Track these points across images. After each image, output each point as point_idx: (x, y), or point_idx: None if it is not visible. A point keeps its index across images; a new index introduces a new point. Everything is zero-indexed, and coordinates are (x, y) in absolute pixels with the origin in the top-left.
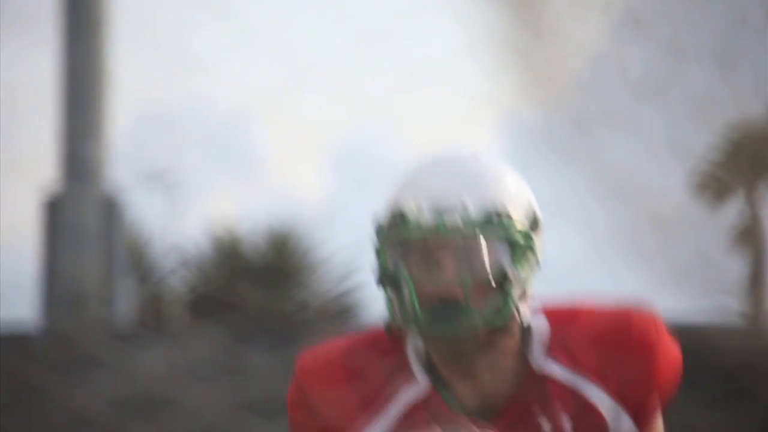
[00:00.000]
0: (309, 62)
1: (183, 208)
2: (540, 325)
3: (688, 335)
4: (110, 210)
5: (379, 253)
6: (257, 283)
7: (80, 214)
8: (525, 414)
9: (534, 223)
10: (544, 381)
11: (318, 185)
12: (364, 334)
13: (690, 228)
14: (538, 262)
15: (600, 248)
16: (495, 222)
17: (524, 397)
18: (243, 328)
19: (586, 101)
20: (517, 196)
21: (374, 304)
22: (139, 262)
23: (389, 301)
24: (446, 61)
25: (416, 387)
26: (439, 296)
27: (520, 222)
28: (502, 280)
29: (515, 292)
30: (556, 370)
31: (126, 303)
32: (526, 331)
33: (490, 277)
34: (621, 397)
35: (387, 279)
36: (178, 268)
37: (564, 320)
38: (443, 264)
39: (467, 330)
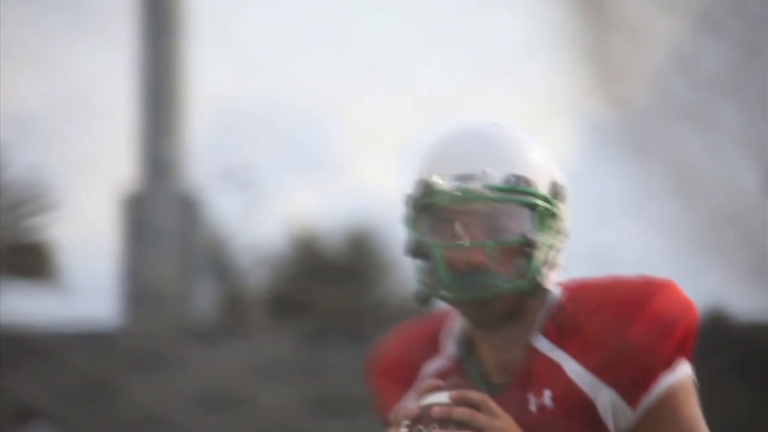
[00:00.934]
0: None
1: (260, 206)
2: (553, 299)
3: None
4: (188, 208)
5: (409, 223)
6: (334, 281)
7: (158, 212)
8: (519, 389)
9: (557, 192)
10: (532, 355)
11: (393, 183)
12: (420, 320)
13: (766, 226)
14: (563, 230)
15: (675, 246)
16: (517, 188)
17: (521, 372)
18: (319, 327)
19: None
20: (539, 165)
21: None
22: (216, 260)
23: (418, 270)
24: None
25: (444, 358)
26: (465, 262)
27: (542, 189)
28: (526, 245)
29: (539, 258)
30: (543, 344)
31: (203, 301)
32: (548, 301)
33: (513, 241)
34: (603, 371)
35: (415, 248)
36: (255, 266)
37: (572, 293)
38: (469, 230)
39: (493, 294)
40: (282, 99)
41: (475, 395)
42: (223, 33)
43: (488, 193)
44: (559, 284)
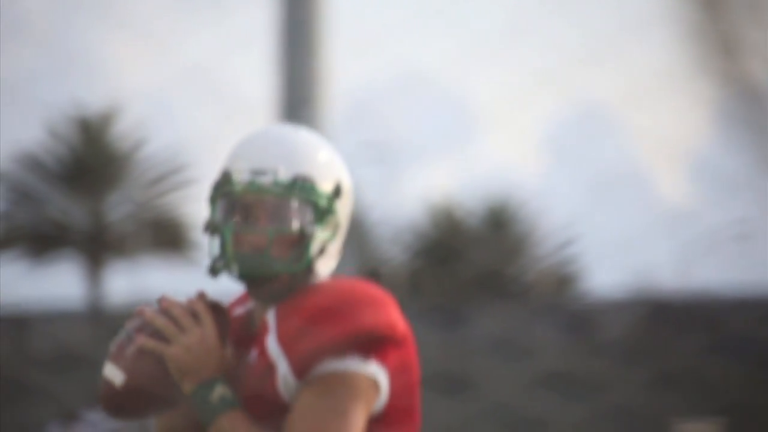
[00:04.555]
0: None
1: (400, 178)
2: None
3: None
4: None
5: (210, 205)
6: (473, 252)
7: None
8: (249, 345)
9: (339, 191)
10: (263, 321)
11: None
12: None
13: None
14: (339, 224)
15: None
16: (300, 186)
17: (256, 331)
18: (458, 298)
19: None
20: (325, 166)
21: (588, 274)
22: (356, 233)
23: (211, 247)
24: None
25: (244, 308)
26: (249, 244)
27: (324, 188)
28: (303, 235)
29: (313, 247)
30: (271, 314)
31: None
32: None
33: (290, 231)
34: (284, 345)
35: (211, 228)
36: (395, 238)
37: (320, 284)
38: (256, 217)
39: (267, 274)
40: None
41: (176, 309)
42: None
43: (275, 188)
44: (328, 275)
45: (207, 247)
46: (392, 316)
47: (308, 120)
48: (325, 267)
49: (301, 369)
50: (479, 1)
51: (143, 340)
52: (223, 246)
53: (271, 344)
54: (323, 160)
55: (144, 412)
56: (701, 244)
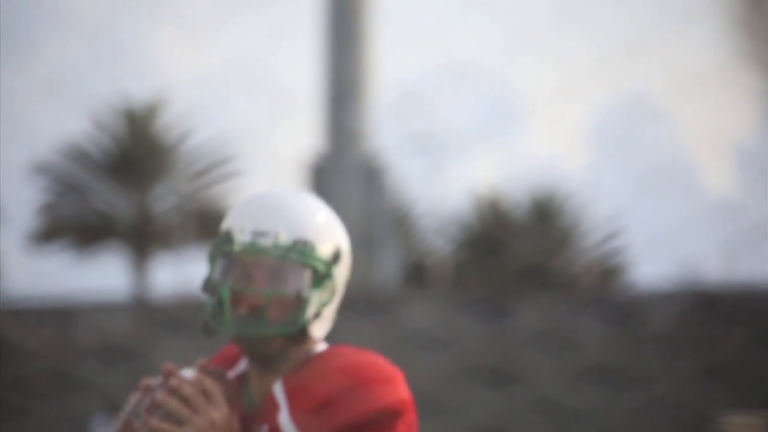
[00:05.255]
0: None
1: (445, 169)
2: (312, 352)
3: None
4: (372, 176)
5: (209, 263)
6: (518, 244)
7: (343, 180)
8: (256, 419)
9: (337, 256)
10: (269, 394)
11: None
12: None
13: None
14: (336, 289)
15: None
16: (300, 250)
17: (261, 404)
18: (503, 290)
19: None
20: (325, 230)
21: (634, 266)
22: (402, 224)
23: (209, 305)
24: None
25: (238, 370)
26: (246, 304)
27: (323, 253)
28: (300, 298)
29: (310, 311)
30: (278, 387)
31: (389, 265)
32: (308, 352)
33: (286, 294)
34: (298, 423)
35: (209, 286)
36: (442, 228)
37: (323, 354)
38: (254, 278)
39: (260, 336)
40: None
41: (187, 389)
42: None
43: (275, 250)
44: (325, 342)
45: (206, 306)
46: (402, 391)
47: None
48: (319, 331)
49: None
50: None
51: (156, 424)
52: (219, 305)
53: (284, 421)
54: (323, 224)
55: None
56: (748, 236)
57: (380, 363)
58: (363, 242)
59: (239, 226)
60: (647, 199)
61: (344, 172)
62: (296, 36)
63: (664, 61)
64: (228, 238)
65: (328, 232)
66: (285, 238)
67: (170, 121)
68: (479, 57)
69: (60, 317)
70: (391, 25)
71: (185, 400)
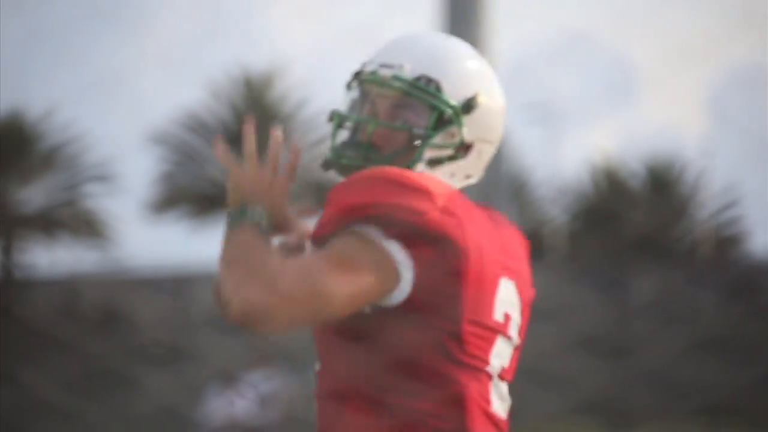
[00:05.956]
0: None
1: (561, 139)
2: None
3: None
4: None
5: (343, 96)
6: (633, 214)
7: None
8: None
9: (469, 105)
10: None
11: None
12: None
13: None
14: (460, 138)
15: None
16: (423, 86)
17: None
18: (618, 260)
19: None
20: (463, 76)
21: (751, 236)
22: (520, 192)
23: (331, 136)
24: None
25: None
26: (364, 136)
27: (452, 96)
28: (411, 135)
29: (421, 152)
30: None
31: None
32: None
33: (394, 126)
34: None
35: (330, 116)
36: (558, 197)
37: None
38: (379, 111)
39: (348, 164)
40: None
41: (275, 153)
42: None
43: (394, 82)
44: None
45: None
46: (425, 206)
47: None
48: (458, 183)
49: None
50: None
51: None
52: (334, 135)
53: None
54: (462, 70)
55: None
56: None
57: (428, 180)
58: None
59: (372, 58)
60: (765, 169)
61: None
62: (412, 6)
63: None
64: (359, 70)
65: (466, 79)
66: (409, 71)
67: (287, 91)
68: (595, 26)
69: (176, 287)
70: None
71: (271, 158)
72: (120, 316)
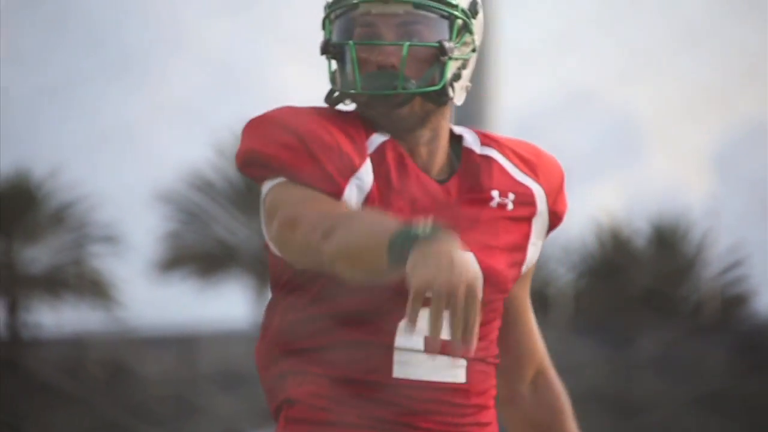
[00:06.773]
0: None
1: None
2: (465, 129)
3: None
4: None
5: (325, 24)
6: (639, 272)
7: None
8: (477, 185)
9: (474, 8)
10: (489, 162)
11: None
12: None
13: None
14: (474, 46)
15: None
16: None
17: (471, 172)
18: (624, 317)
19: None
20: None
21: (757, 295)
22: None
23: (332, 71)
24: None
25: (382, 136)
26: (377, 63)
27: (460, 3)
28: (439, 53)
29: (451, 68)
30: (496, 155)
31: None
32: (456, 120)
33: (428, 45)
34: (546, 190)
35: (331, 48)
36: (561, 257)
37: (485, 133)
38: (383, 33)
39: (401, 94)
40: (584, 91)
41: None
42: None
43: None
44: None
45: (327, 72)
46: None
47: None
48: (459, 97)
49: (555, 215)
50: (643, 14)
51: None
52: (347, 66)
53: (536, 189)
54: None
55: None
56: None
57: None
58: None
59: None
60: None
61: None
62: None
63: None
64: None
65: None
66: None
67: None
68: (599, 82)
69: (182, 345)
70: (508, 50)
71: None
72: (126, 374)
